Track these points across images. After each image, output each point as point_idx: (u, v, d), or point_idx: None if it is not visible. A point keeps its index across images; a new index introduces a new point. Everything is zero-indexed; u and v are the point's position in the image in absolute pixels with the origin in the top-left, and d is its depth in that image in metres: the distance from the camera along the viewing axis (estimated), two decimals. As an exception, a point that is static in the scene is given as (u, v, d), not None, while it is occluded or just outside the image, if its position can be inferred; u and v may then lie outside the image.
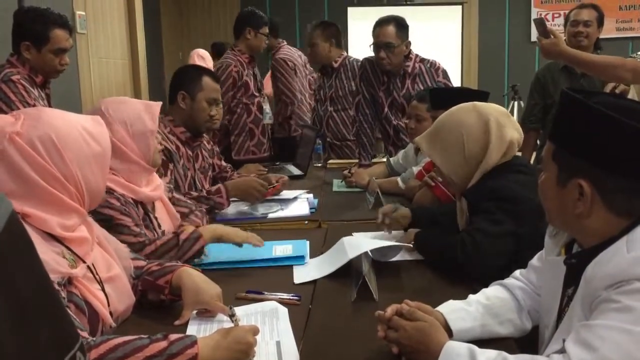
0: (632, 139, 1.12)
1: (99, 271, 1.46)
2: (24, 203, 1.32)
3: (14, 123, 1.34)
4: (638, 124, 1.11)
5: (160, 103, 2.04)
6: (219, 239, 1.97)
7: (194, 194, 2.59)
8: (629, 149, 1.13)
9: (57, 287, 1.26)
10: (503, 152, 1.91)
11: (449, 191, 2.32)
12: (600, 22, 3.55)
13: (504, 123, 1.92)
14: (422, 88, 3.56)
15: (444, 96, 2.53)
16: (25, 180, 1.32)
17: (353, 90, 4.15)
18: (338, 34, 4.33)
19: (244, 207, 2.74)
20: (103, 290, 1.45)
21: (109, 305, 1.45)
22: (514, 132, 1.94)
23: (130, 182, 1.92)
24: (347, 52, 4.35)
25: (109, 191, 1.83)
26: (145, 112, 1.98)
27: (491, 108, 1.96)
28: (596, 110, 1.15)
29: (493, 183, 1.85)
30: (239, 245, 1.98)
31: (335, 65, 4.28)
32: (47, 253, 1.29)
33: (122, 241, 1.68)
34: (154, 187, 2.05)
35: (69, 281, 1.33)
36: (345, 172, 3.28)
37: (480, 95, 2.50)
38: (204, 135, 2.87)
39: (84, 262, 1.40)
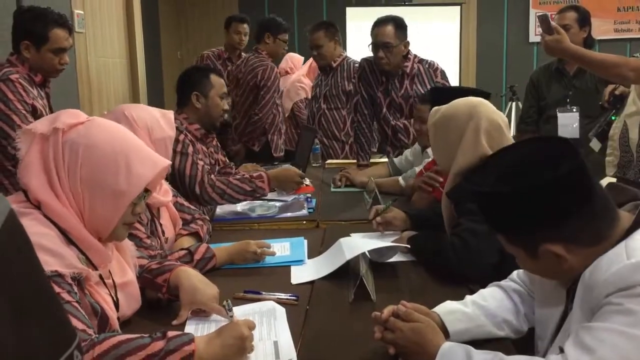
0: (546, 191, 1.13)
1: (114, 275, 1.46)
2: (46, 192, 1.34)
3: (72, 122, 1.38)
4: (535, 179, 1.13)
5: (172, 111, 2.11)
6: (232, 262, 1.99)
7: (238, 175, 2.70)
8: (552, 200, 1.13)
9: (70, 281, 1.28)
10: (476, 159, 1.85)
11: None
12: (582, 22, 3.49)
13: (484, 132, 1.88)
14: (420, 88, 3.57)
15: (445, 95, 2.53)
16: (48, 171, 1.35)
17: (347, 90, 4.17)
18: (338, 32, 4.33)
19: (240, 207, 2.75)
20: (116, 295, 1.46)
21: (118, 311, 1.46)
22: (487, 148, 1.85)
23: None
24: (345, 52, 4.36)
25: None
26: (162, 118, 2.03)
27: (488, 113, 1.92)
28: (497, 194, 1.18)
29: None
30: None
31: (334, 64, 4.26)
32: (65, 249, 1.31)
33: None
34: (163, 191, 2.07)
35: (82, 282, 1.34)
36: (336, 176, 3.30)
37: (481, 95, 2.50)
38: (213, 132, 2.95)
39: (96, 269, 1.40)
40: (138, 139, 1.49)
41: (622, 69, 2.36)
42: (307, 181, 2.91)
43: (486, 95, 2.47)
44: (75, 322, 1.21)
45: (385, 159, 3.57)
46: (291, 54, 5.38)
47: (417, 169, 2.91)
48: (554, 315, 1.29)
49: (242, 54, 4.96)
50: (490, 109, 1.95)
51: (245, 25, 4.91)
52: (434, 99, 2.61)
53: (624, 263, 1.09)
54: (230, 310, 1.38)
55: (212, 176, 2.60)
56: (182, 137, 2.54)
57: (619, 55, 2.43)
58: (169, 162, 1.53)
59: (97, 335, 1.24)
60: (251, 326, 1.36)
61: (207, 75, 2.78)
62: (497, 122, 1.91)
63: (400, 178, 3.00)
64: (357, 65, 4.04)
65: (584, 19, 3.51)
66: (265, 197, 2.77)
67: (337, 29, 4.30)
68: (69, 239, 1.35)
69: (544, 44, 2.45)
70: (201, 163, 2.57)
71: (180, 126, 2.60)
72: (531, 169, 1.16)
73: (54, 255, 1.26)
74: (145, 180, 1.42)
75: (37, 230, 1.28)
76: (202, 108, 2.73)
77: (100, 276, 1.41)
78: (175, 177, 2.52)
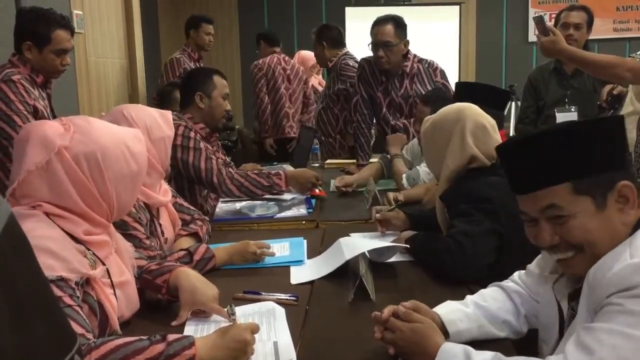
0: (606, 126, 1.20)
1: (112, 275, 1.47)
2: (54, 207, 1.35)
3: (64, 135, 1.37)
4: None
5: (170, 112, 2.12)
6: (231, 262, 2.00)
7: (256, 170, 2.78)
8: (614, 134, 1.19)
9: (73, 285, 1.28)
10: (464, 160, 1.93)
11: None
12: (589, 24, 3.49)
13: (470, 132, 1.93)
14: (420, 88, 3.57)
15: (470, 90, 2.56)
16: (62, 193, 1.36)
17: (336, 89, 4.34)
18: (332, 34, 4.43)
19: (240, 207, 2.75)
20: (115, 294, 1.46)
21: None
22: (474, 148, 1.92)
23: (145, 187, 1.94)
24: (342, 51, 4.43)
25: None
26: (161, 118, 2.04)
27: (473, 115, 1.97)
28: (571, 130, 1.21)
29: (467, 185, 1.91)
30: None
31: (330, 65, 4.44)
32: (71, 251, 1.31)
33: None
34: (162, 191, 2.08)
35: (87, 281, 1.35)
36: (339, 184, 3.15)
37: (503, 95, 2.54)
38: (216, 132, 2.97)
39: (104, 264, 1.41)
40: (113, 125, 1.53)
41: (619, 70, 2.36)
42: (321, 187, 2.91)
43: (507, 95, 2.51)
44: (74, 327, 1.21)
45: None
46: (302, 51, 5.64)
47: (421, 169, 2.90)
48: (556, 319, 1.30)
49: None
50: (477, 112, 1.99)
51: (212, 26, 5.00)
52: (459, 94, 2.61)
53: (627, 263, 1.09)
54: (234, 314, 1.38)
55: (230, 169, 2.66)
56: (192, 134, 2.59)
57: (615, 56, 2.43)
58: (139, 130, 1.59)
59: (94, 340, 1.23)
60: (254, 330, 1.35)
61: (210, 76, 2.82)
62: (482, 123, 1.96)
63: (404, 177, 2.95)
64: (345, 64, 4.25)
65: (591, 21, 3.52)
66: (264, 198, 2.78)
67: (329, 32, 4.43)
68: (73, 236, 1.35)
69: (540, 45, 2.46)
70: (214, 157, 2.62)
71: (187, 124, 2.63)
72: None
73: (58, 259, 1.27)
74: (144, 154, 1.51)
75: (41, 233, 1.28)
76: (205, 108, 2.78)
77: (107, 271, 1.42)
78: (190, 172, 2.58)
